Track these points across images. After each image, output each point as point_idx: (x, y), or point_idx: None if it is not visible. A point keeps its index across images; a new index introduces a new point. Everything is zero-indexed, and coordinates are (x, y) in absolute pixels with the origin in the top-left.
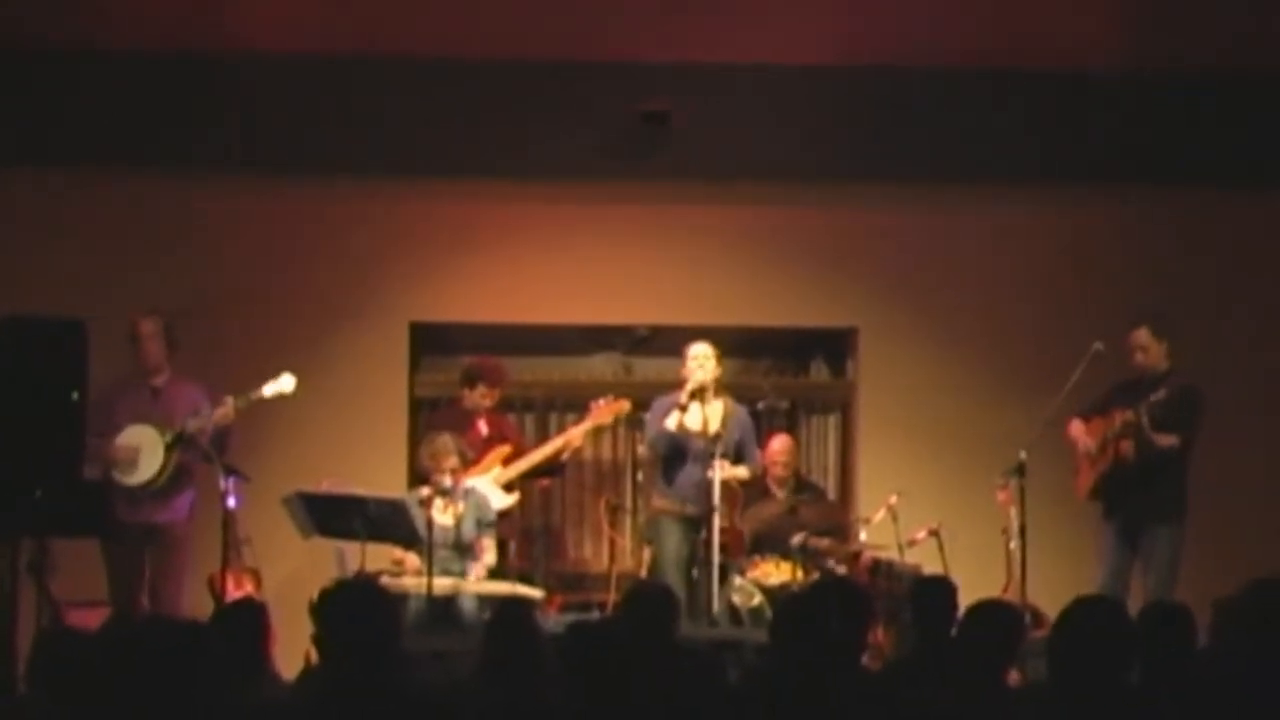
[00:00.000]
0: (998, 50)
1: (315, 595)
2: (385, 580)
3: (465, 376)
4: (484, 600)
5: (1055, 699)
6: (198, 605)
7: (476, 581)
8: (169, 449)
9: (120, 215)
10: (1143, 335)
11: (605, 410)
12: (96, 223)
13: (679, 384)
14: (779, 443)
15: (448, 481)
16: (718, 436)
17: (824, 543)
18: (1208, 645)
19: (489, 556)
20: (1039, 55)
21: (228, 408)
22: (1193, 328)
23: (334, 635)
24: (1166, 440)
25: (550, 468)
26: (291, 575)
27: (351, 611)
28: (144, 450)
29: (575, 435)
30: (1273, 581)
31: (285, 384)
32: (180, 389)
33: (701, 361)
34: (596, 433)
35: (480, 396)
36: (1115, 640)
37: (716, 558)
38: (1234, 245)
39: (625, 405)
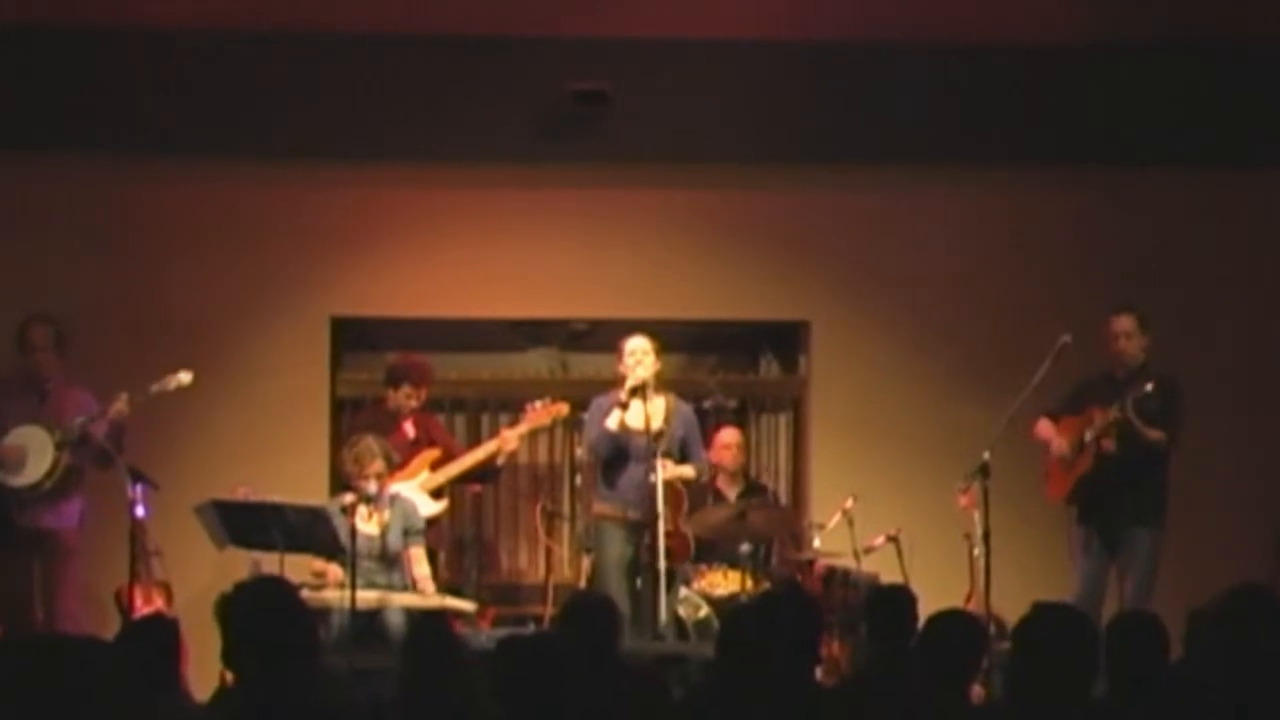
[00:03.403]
0: (958, 25)
1: (216, 599)
2: (306, 594)
3: (389, 376)
4: (412, 614)
5: (1016, 716)
6: (104, 621)
7: (422, 596)
8: (59, 448)
9: (14, 202)
10: (1128, 322)
11: (542, 413)
12: None
13: (618, 381)
14: (728, 434)
15: (372, 488)
16: (660, 434)
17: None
18: (1181, 657)
19: (421, 566)
20: (1001, 30)
21: (122, 403)
22: (1166, 318)
23: (243, 641)
24: (1155, 434)
25: (483, 472)
26: (205, 589)
27: (261, 612)
28: (31, 450)
29: (509, 438)
30: (1249, 589)
31: (183, 378)
32: (70, 393)
33: (640, 357)
34: (532, 435)
35: (405, 397)
36: (1078, 651)
37: (662, 565)
38: (1210, 229)
39: (563, 408)
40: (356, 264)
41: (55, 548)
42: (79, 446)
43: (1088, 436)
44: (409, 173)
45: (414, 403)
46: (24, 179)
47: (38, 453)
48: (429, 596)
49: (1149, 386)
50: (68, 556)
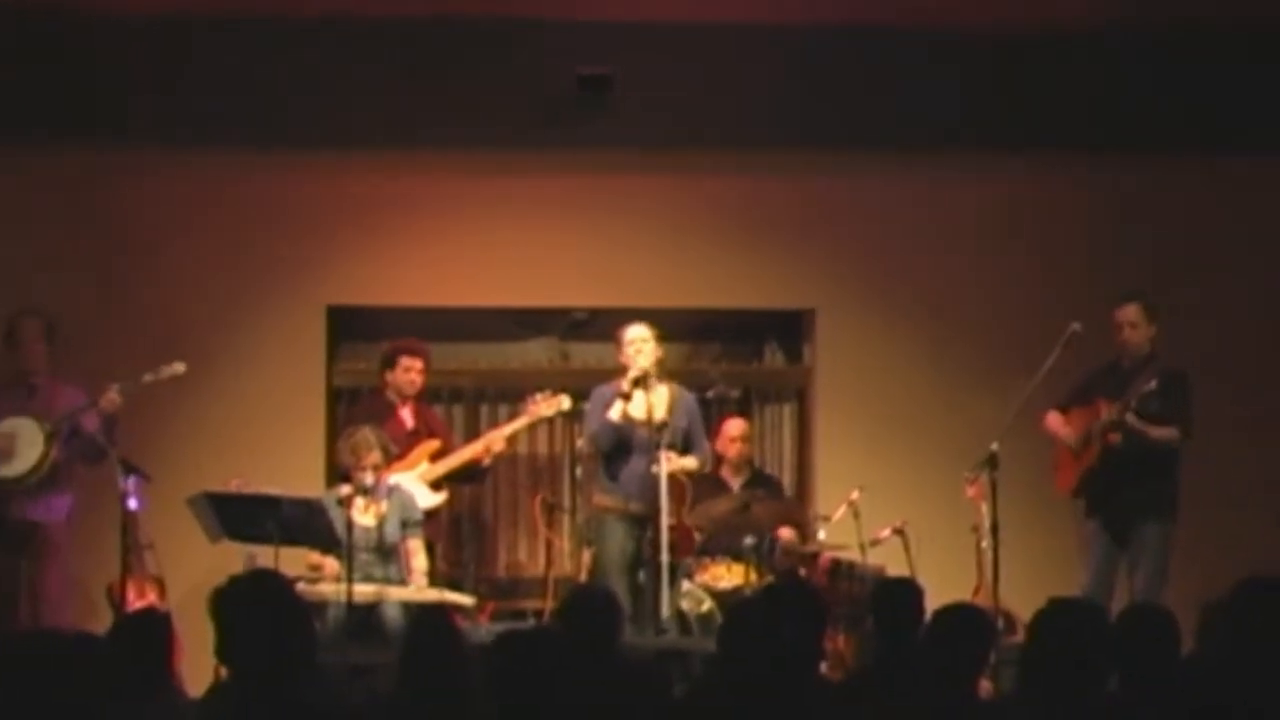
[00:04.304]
0: (970, 10)
1: (210, 593)
2: (301, 587)
3: (384, 359)
4: (409, 609)
5: (1029, 710)
6: (96, 616)
7: (417, 589)
8: (49, 438)
9: (3, 194)
10: (1133, 311)
11: (542, 405)
12: None
13: (620, 371)
14: (735, 425)
15: (369, 479)
16: (664, 424)
17: (788, 532)
18: (1193, 651)
19: (419, 559)
20: (1007, 13)
21: (114, 393)
22: (1178, 308)
23: (237, 636)
24: (1164, 433)
25: (470, 473)
26: (198, 583)
27: (255, 607)
28: (21, 439)
29: (496, 439)
30: (1262, 581)
31: (177, 367)
32: (59, 389)
33: (639, 345)
34: (530, 427)
35: (403, 372)
36: (1094, 646)
37: (665, 558)
38: (1225, 218)
39: (564, 401)
40: (353, 253)
41: (41, 542)
42: (70, 439)
43: (1094, 430)
44: (408, 159)
45: (415, 376)
46: (13, 170)
47: (27, 444)
48: (426, 590)
49: (1152, 384)
50: (54, 551)
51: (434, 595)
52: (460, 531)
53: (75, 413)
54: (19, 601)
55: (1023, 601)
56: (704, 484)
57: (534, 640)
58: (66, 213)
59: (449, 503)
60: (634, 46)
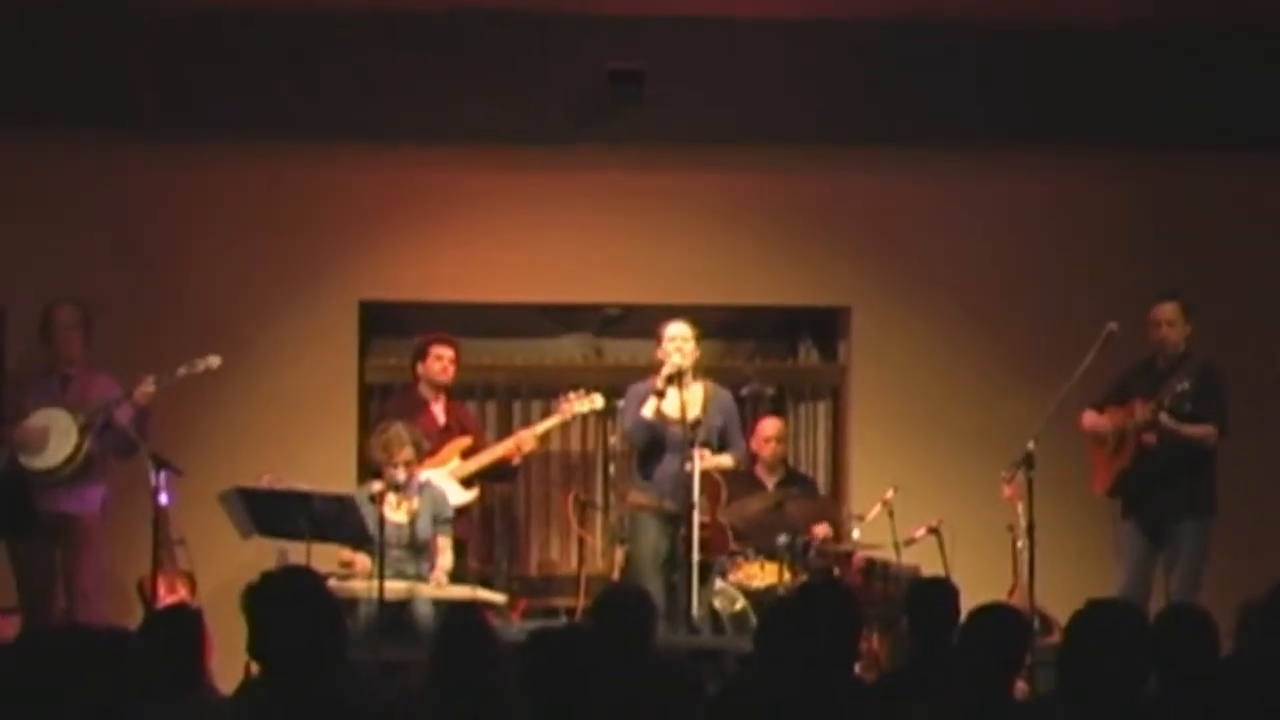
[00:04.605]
0: (1005, 5)
1: (242, 590)
2: (333, 584)
3: (416, 352)
4: (441, 606)
5: (1066, 712)
6: (127, 612)
7: (436, 586)
8: (83, 431)
9: (32, 185)
10: (1171, 310)
11: (575, 404)
12: (4, 194)
13: (654, 368)
14: (769, 425)
15: (401, 475)
16: (698, 423)
17: (822, 528)
18: (1231, 652)
19: (445, 557)
20: (1049, 12)
21: (148, 385)
22: (1216, 307)
23: (269, 632)
24: (1198, 431)
25: (500, 471)
26: (229, 579)
27: (287, 603)
28: (54, 432)
29: (526, 439)
30: None
31: (212, 361)
32: (93, 379)
33: (680, 344)
34: (562, 425)
35: (434, 361)
36: (1132, 648)
37: (696, 557)
38: (1264, 215)
39: (597, 399)
40: (386, 248)
41: (76, 534)
42: (103, 431)
43: (1128, 429)
44: (440, 154)
45: (447, 364)
46: (48, 160)
47: (60, 435)
48: (457, 587)
49: (1185, 384)
50: (88, 543)
51: (466, 592)
52: (493, 529)
53: (109, 405)
54: (54, 594)
55: (1059, 602)
56: (739, 483)
57: (567, 639)
58: (101, 205)
59: (480, 500)
60: (667, 42)
